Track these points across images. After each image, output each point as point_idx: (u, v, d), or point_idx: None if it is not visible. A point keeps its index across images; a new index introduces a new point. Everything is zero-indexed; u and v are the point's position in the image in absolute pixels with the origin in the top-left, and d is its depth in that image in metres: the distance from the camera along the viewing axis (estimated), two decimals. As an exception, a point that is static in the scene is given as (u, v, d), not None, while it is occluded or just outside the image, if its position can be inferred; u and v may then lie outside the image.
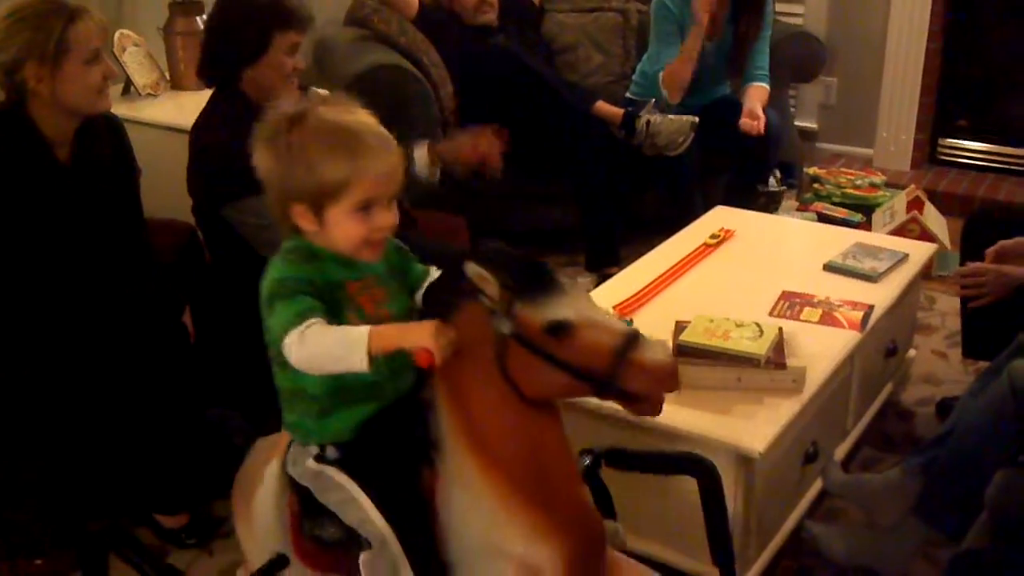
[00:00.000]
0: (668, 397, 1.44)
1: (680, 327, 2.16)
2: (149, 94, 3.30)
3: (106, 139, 2.24)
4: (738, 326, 2.12)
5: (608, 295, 2.45)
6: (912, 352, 2.87)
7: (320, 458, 1.56)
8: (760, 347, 2.05)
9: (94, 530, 1.59)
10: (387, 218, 1.50)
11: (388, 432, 1.54)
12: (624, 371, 1.37)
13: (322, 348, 1.40)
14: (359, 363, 1.39)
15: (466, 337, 1.41)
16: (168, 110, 3.19)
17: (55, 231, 2.11)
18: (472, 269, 1.39)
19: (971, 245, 2.51)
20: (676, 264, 2.62)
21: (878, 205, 3.82)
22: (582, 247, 3.55)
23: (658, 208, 3.58)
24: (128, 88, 3.29)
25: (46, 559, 2.18)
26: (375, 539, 1.50)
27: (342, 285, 1.51)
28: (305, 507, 1.58)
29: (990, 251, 2.32)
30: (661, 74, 3.51)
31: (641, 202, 3.71)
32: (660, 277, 2.54)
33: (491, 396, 1.44)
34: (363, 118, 1.52)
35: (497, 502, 1.44)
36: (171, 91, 3.38)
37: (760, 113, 3.44)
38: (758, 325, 2.13)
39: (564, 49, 4.08)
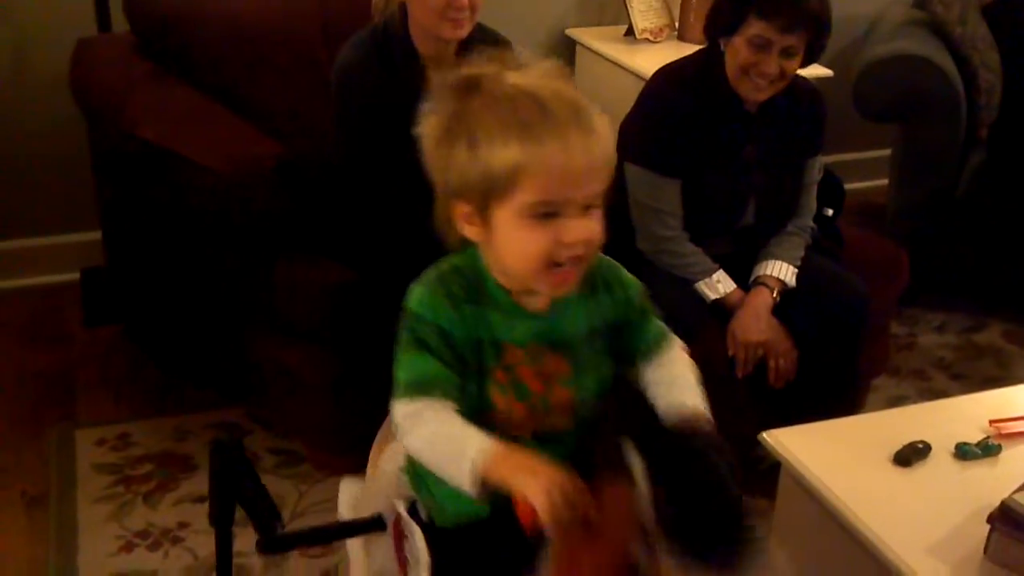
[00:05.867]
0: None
1: (1040, 484, 1.54)
2: (647, 39, 3.17)
3: None
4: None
5: (997, 402, 1.86)
6: None
7: (411, 511, 1.28)
8: None
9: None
10: (579, 230, 1.07)
11: (485, 543, 1.19)
12: None
13: (429, 446, 1.09)
14: (467, 484, 1.05)
15: (610, 517, 1.01)
16: (653, 58, 3.00)
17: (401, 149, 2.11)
18: (633, 457, 1.01)
19: None
20: None
21: None
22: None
23: None
24: (631, 30, 3.20)
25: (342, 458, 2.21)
26: None
27: (499, 346, 1.13)
28: None
29: None
30: None
31: None
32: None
33: None
34: (561, 86, 1.10)
35: None
36: (675, 40, 3.22)
37: None
38: None
39: None
